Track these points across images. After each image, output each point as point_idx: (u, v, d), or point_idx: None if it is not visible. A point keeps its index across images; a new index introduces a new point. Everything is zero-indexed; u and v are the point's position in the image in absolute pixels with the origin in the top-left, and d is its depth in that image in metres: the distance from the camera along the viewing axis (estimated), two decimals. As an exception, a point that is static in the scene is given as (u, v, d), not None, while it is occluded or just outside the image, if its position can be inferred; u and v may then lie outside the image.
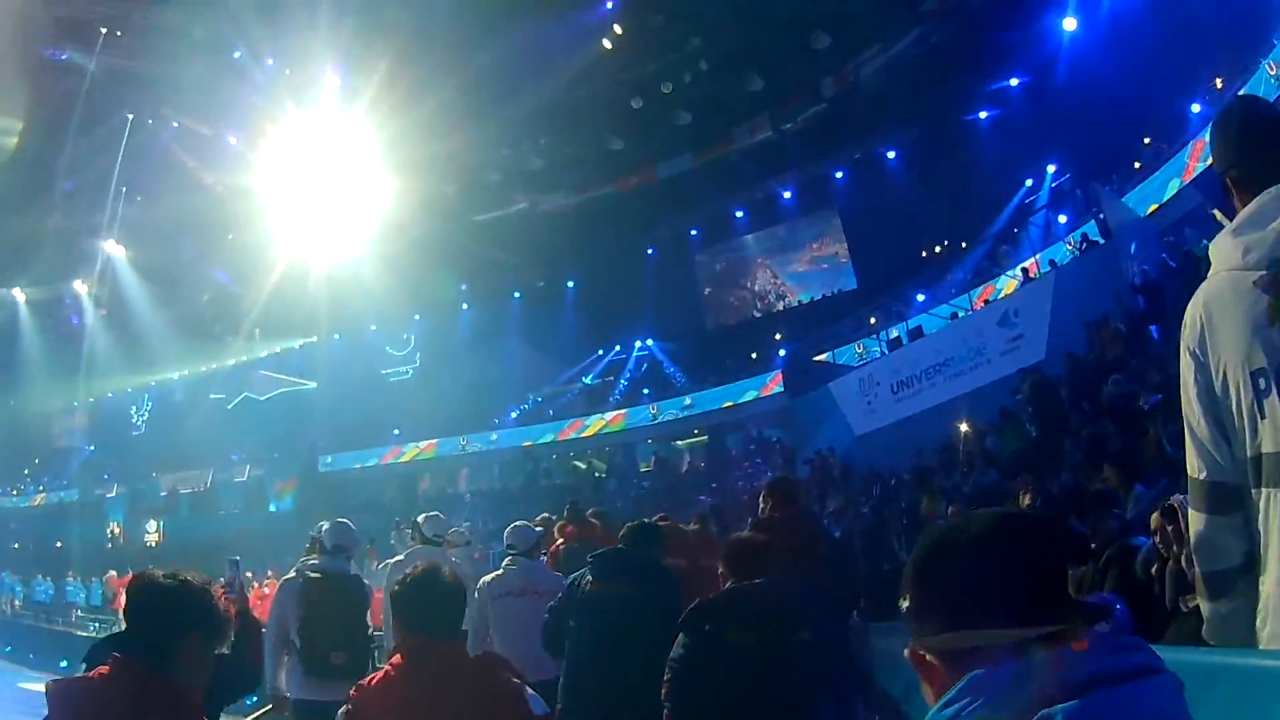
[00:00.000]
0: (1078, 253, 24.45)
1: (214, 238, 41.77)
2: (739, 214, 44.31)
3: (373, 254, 37.85)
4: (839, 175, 40.48)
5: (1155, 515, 6.97)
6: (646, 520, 7.94)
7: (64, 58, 33.34)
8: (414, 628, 4.14)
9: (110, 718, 3.30)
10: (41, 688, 3.38)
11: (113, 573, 31.75)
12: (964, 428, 20.54)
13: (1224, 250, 3.20)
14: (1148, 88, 26.08)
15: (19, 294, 46.50)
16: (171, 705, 3.35)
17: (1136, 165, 27.02)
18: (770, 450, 34.53)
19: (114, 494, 52.56)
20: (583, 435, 42.92)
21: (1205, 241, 15.61)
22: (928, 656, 1.84)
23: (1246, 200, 3.19)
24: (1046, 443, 16.90)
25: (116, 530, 51.46)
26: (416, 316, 48.74)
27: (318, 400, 49.93)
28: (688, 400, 40.09)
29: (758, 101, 37.38)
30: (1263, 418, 3.03)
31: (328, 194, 33.98)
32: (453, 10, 31.82)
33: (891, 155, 38.27)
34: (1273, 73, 21.07)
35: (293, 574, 8.72)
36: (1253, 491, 3.12)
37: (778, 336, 40.12)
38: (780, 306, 44.61)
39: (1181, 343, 3.28)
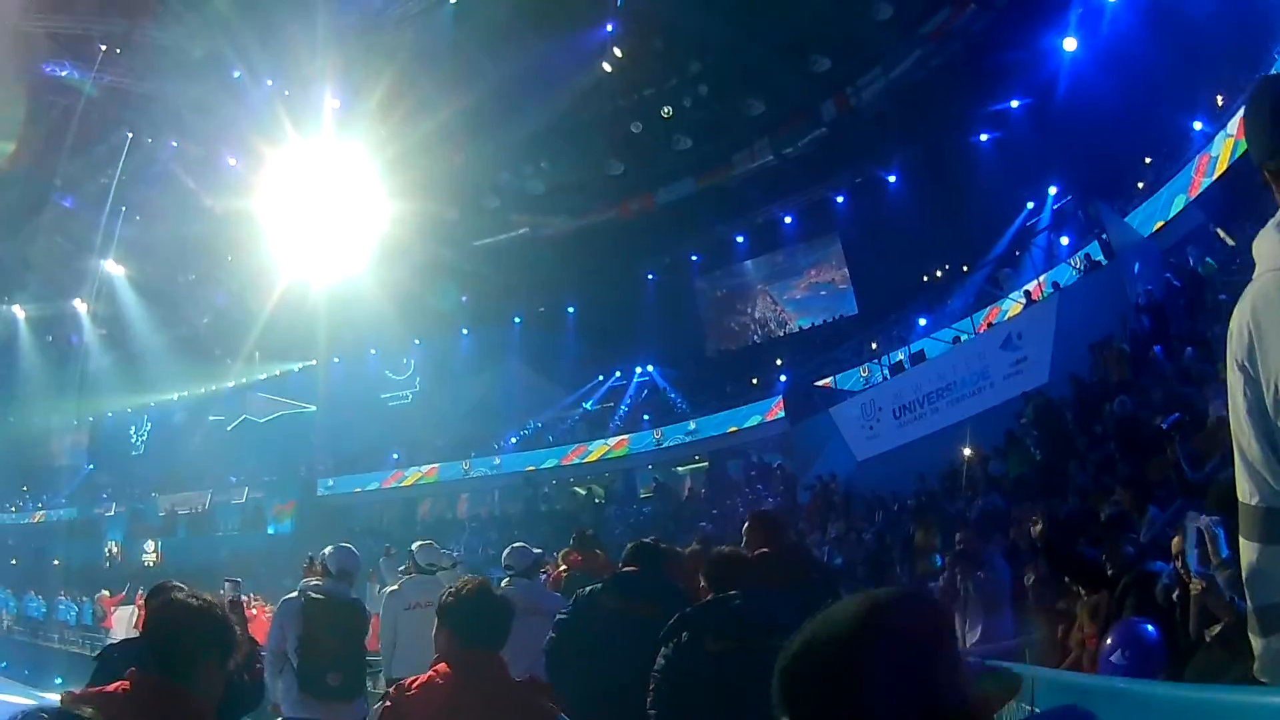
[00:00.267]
0: (1081, 274, 24.07)
1: (214, 259, 41.57)
2: (739, 239, 43.90)
3: (372, 277, 37.40)
4: (839, 199, 39.93)
5: (1177, 539, 6.45)
6: (644, 540, 7.71)
7: (63, 74, 33.02)
8: (465, 642, 4.29)
9: None
10: (29, 702, 3.49)
11: (104, 592, 31.69)
12: (967, 452, 20.21)
13: (1269, 247, 2.75)
14: (1149, 106, 25.93)
15: (19, 311, 46.18)
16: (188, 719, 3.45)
17: (1140, 185, 26.85)
18: (771, 476, 34.33)
19: (113, 513, 52.44)
20: (586, 460, 42.53)
21: (1209, 260, 15.42)
22: None
23: None
24: (1051, 466, 16.68)
25: (115, 549, 51.27)
26: (416, 341, 48.29)
27: (316, 424, 49.75)
28: (692, 425, 39.69)
29: (758, 126, 37.08)
30: None
31: (327, 217, 33.56)
32: (453, 33, 31.66)
33: (892, 179, 37.72)
34: None
35: (294, 594, 8.74)
36: None
37: (779, 362, 39.77)
38: (781, 333, 44.38)
39: (1228, 354, 2.81)
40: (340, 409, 47.77)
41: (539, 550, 9.50)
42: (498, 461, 44.34)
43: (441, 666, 4.24)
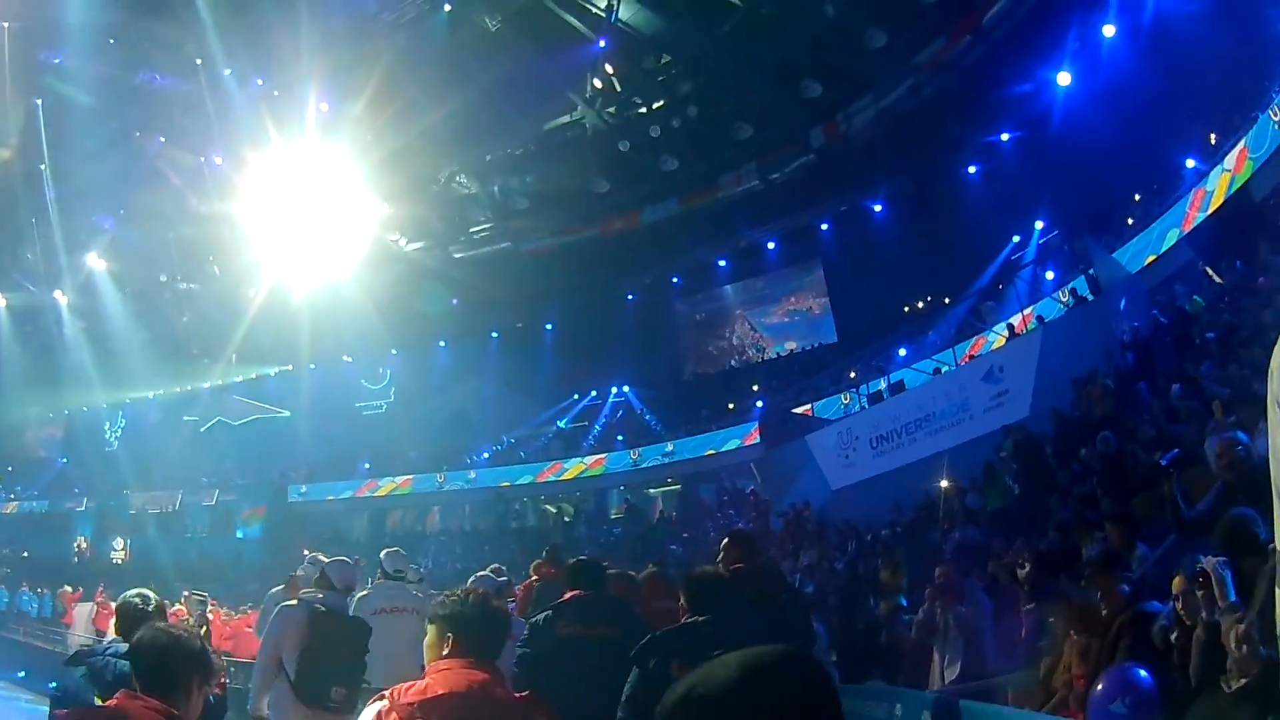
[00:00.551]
0: (1067, 308, 23.86)
1: (196, 259, 41.16)
2: (721, 262, 43.73)
3: (352, 285, 36.96)
4: (824, 226, 39.75)
5: (1178, 579, 6.32)
6: (585, 558, 7.95)
7: (58, 62, 32.51)
8: (465, 649, 4.22)
9: None
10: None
11: (66, 588, 31.47)
12: (944, 484, 20.02)
13: None
14: (1141, 142, 25.85)
15: (0, 299, 45.54)
16: None
17: (1130, 221, 26.69)
18: (743, 502, 33.87)
19: (84, 508, 51.76)
20: (562, 478, 42.25)
21: (1197, 298, 15.18)
22: None
23: None
24: (1031, 500, 16.45)
25: (84, 545, 50.70)
26: (393, 351, 47.93)
27: (291, 429, 49.43)
28: (669, 447, 39.38)
29: (746, 150, 36.75)
30: None
31: (310, 222, 33.13)
32: (446, 40, 31.39)
33: (878, 207, 37.48)
34: (1276, 118, 20.44)
35: (294, 602, 8.64)
36: None
37: (755, 388, 39.63)
38: (759, 358, 44.09)
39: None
40: (315, 416, 47.47)
41: (504, 578, 9.97)
42: (473, 475, 43.96)
43: (441, 673, 4.14)
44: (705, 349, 46.18)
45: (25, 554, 46.24)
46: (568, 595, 7.09)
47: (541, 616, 6.95)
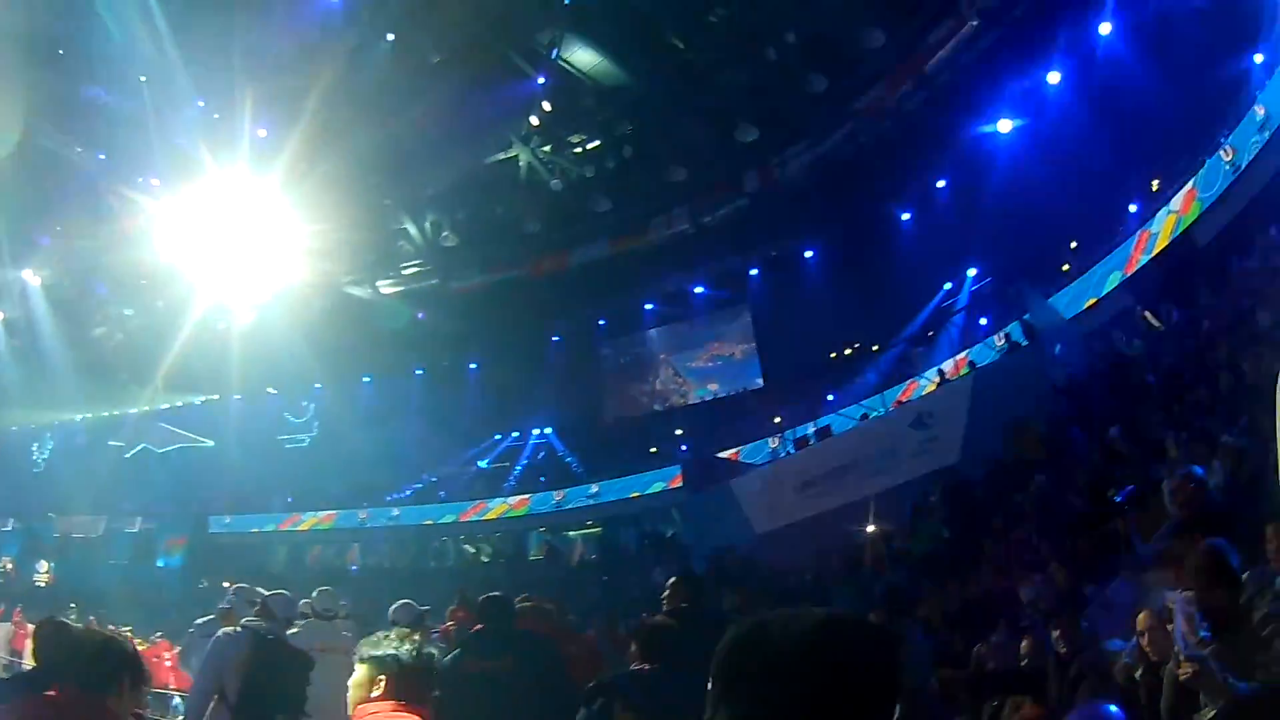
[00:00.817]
0: (999, 354, 23.76)
1: (129, 281, 40.18)
2: (648, 306, 43.53)
3: (279, 317, 36.22)
4: (753, 271, 39.67)
5: (1143, 616, 6.48)
6: (495, 594, 8.10)
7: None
8: (397, 691, 4.18)
9: None
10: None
11: None
12: (871, 528, 20.10)
13: None
14: (1081, 189, 25.94)
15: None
16: None
17: (1065, 267, 26.73)
18: (664, 546, 33.88)
19: (10, 528, 50.13)
20: (485, 518, 41.93)
21: (1136, 341, 15.16)
22: None
23: None
24: (962, 544, 16.42)
25: (9, 566, 49.10)
26: (317, 385, 47.41)
27: (214, 459, 48.66)
28: (594, 488, 39.19)
29: (678, 193, 36.39)
30: None
31: (242, 250, 32.47)
32: (387, 71, 30.99)
33: (809, 254, 37.47)
34: (1227, 159, 20.36)
35: (235, 629, 8.54)
36: None
37: (678, 432, 39.59)
38: (682, 403, 43.78)
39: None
40: (238, 447, 46.72)
41: (426, 607, 10.26)
42: (396, 513, 43.61)
43: (372, 716, 4.15)
44: (629, 392, 45.74)
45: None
46: (474, 629, 7.52)
47: (451, 656, 7.05)
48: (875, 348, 32.11)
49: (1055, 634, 7.66)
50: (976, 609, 12.16)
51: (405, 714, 4.09)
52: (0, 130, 31.50)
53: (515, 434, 44.79)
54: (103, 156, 35.24)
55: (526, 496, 41.19)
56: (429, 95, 31.46)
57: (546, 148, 36.02)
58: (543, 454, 44.10)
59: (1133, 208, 25.03)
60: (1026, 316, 23.15)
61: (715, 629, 6.30)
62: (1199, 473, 8.30)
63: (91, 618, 16.24)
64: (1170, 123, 23.68)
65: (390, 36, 31.71)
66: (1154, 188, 24.51)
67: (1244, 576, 6.01)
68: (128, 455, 50.90)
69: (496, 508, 41.55)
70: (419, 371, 46.27)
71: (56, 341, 42.19)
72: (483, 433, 45.04)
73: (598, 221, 38.04)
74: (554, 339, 44.37)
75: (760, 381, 40.46)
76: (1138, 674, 6.39)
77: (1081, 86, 27.72)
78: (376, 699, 4.15)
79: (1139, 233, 23.10)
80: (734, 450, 32.18)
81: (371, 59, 31.71)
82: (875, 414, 26.64)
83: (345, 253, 36.13)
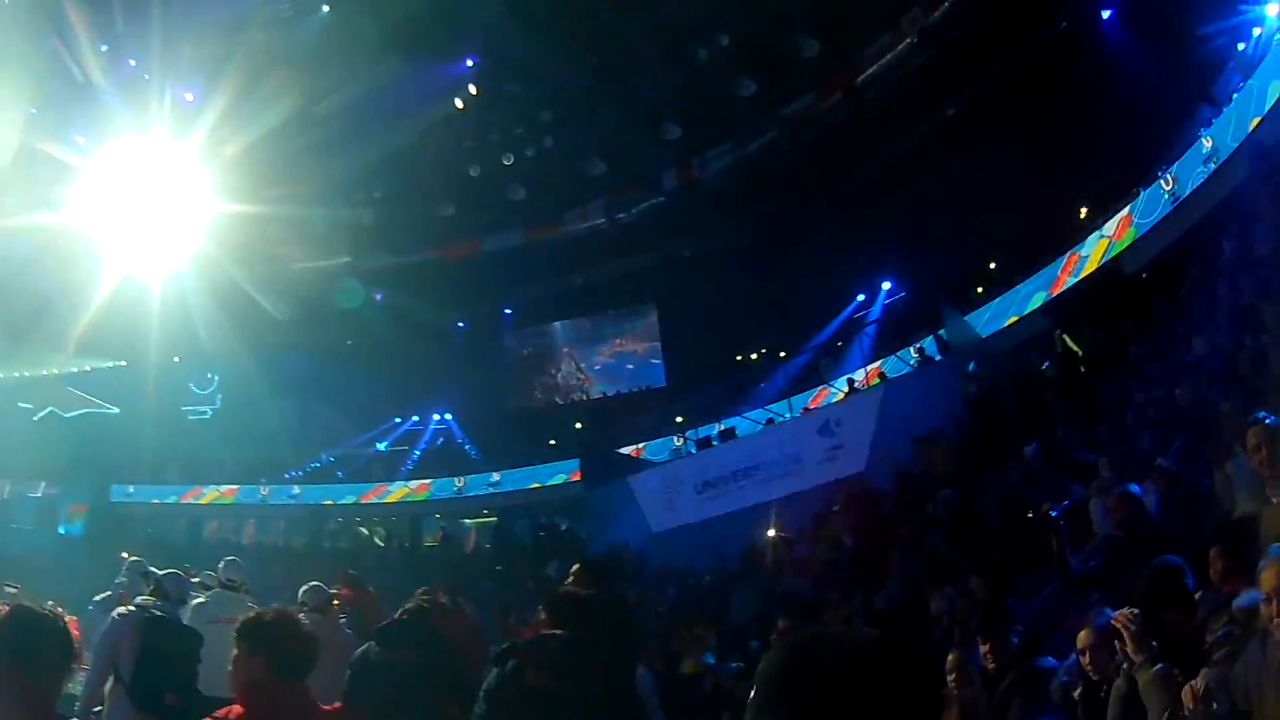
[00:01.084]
0: (912, 367, 23.61)
1: (46, 240, 39.07)
2: (555, 298, 42.86)
3: (191, 286, 35.31)
4: (664, 271, 39.03)
5: (1084, 633, 6.16)
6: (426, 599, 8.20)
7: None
8: (280, 670, 4.16)
9: None
10: None
11: None
12: (771, 533, 20.02)
13: None
14: (1005, 210, 25.74)
15: None
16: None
17: (980, 290, 26.71)
18: (559, 538, 33.69)
19: (-84, 488, 48.89)
20: (385, 500, 41.48)
21: (1049, 364, 15.29)
22: None
23: None
24: (866, 554, 16.18)
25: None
26: (222, 357, 45.94)
27: (119, 427, 47.20)
28: (496, 477, 38.70)
29: (596, 186, 36.34)
30: None
31: (160, 214, 31.66)
32: (318, 43, 30.40)
33: (722, 257, 36.88)
34: (1168, 187, 20.39)
35: (130, 609, 8.68)
36: None
37: (578, 425, 39.29)
38: (583, 398, 43.62)
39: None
40: (141, 416, 45.01)
41: (334, 590, 9.90)
42: (297, 491, 42.92)
43: (252, 696, 4.15)
44: (530, 384, 45.53)
45: None
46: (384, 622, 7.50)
47: (362, 649, 7.30)
48: (783, 354, 31.92)
49: (984, 649, 7.22)
50: (885, 619, 11.89)
51: (286, 688, 4.12)
52: None
53: (415, 418, 44.23)
54: (34, 110, 34.28)
55: (428, 481, 40.78)
56: (358, 71, 31.13)
57: (467, 132, 35.59)
58: (441, 440, 43.65)
59: (1058, 233, 24.83)
60: (942, 332, 23.04)
61: (620, 607, 6.97)
62: (1136, 491, 8.21)
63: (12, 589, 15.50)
64: (1105, 153, 23.88)
65: (325, 8, 31.07)
66: (1081, 215, 24.65)
67: (1196, 597, 5.75)
68: (36, 418, 49.56)
69: (397, 491, 41.16)
70: (323, 349, 44.99)
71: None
72: (382, 415, 44.42)
73: (512, 210, 37.76)
74: (459, 325, 43.90)
75: (663, 381, 40.36)
76: (1076, 693, 6.19)
77: (1016, 110, 27.77)
78: (257, 677, 4.14)
79: (1069, 254, 23.07)
80: (637, 447, 31.90)
81: (304, 30, 31.14)
82: (781, 419, 26.33)
83: (259, 227, 35.28)
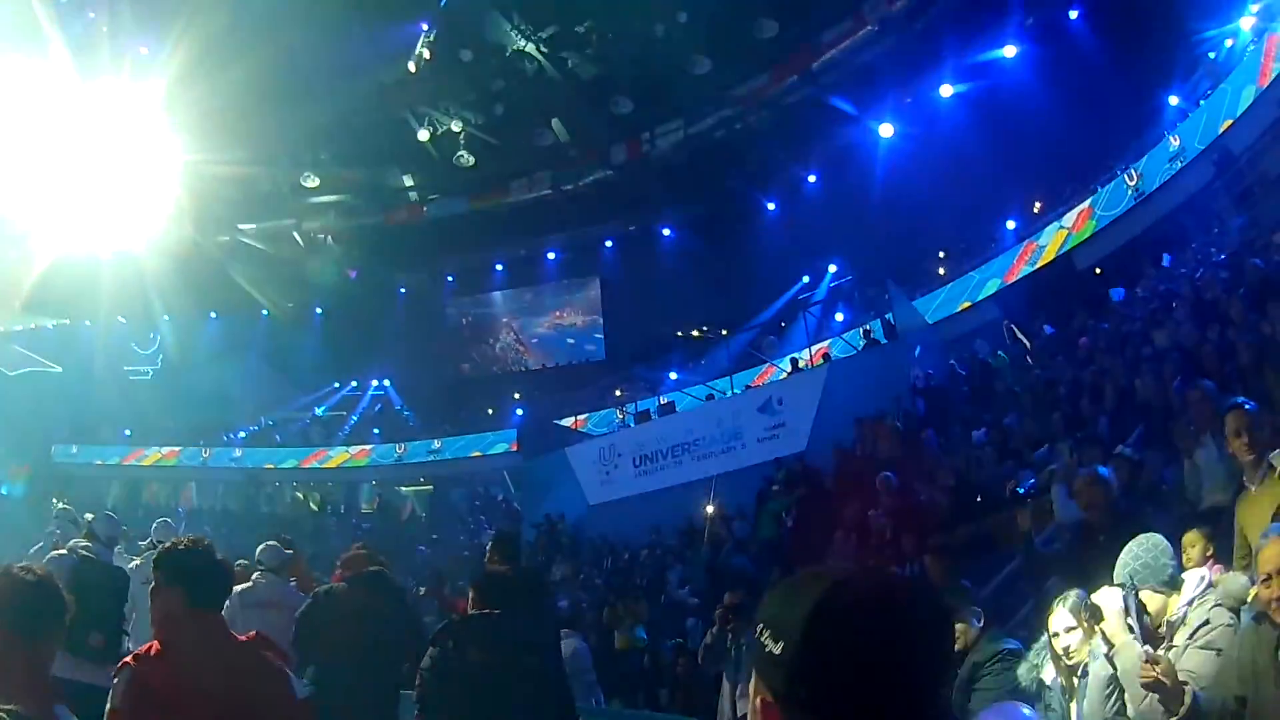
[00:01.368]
0: (857, 350, 23.42)
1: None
2: (498, 267, 43.11)
3: (136, 246, 34.60)
4: (608, 243, 39.49)
5: (1057, 614, 5.76)
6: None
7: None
8: (196, 601, 4.20)
9: None
10: None
11: None
12: (710, 509, 19.50)
13: None
14: (959, 201, 26.11)
15: None
16: (40, 670, 3.56)
17: (941, 272, 26.91)
18: (495, 508, 33.83)
19: None
20: (325, 465, 41.26)
21: (1000, 353, 15.21)
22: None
23: None
24: (806, 533, 15.94)
25: None
26: (165, 317, 45.19)
27: (61, 386, 46.70)
28: (437, 444, 38.66)
29: (543, 156, 35.99)
30: None
31: (112, 170, 30.88)
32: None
33: (666, 232, 37.39)
34: (1132, 182, 20.40)
35: (64, 551, 8.96)
36: None
37: (516, 395, 38.83)
38: (521, 369, 43.49)
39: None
40: (84, 376, 45.32)
41: (290, 551, 9.78)
42: (238, 453, 42.61)
43: (172, 628, 4.18)
44: (469, 352, 45.34)
45: None
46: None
47: (327, 588, 7.97)
48: (725, 332, 31.68)
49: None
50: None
51: (205, 619, 4.18)
52: None
53: (354, 384, 44.06)
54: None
55: (368, 447, 40.66)
56: (314, 30, 30.63)
57: (418, 96, 35.08)
58: (379, 406, 43.55)
59: (1011, 223, 25.25)
60: (889, 316, 22.87)
61: (536, 579, 9.28)
62: (1105, 473, 7.95)
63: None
64: (1064, 147, 24.00)
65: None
66: (1036, 209, 24.78)
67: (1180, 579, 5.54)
68: (-22, 377, 48.78)
69: (338, 456, 40.97)
70: (264, 313, 44.56)
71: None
72: (321, 380, 44.24)
73: (459, 177, 37.33)
74: (400, 290, 43.78)
75: (603, 355, 40.39)
76: (1048, 677, 5.88)
77: (975, 103, 27.90)
78: (178, 610, 4.17)
79: (1026, 243, 23.18)
80: (580, 419, 31.69)
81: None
82: (722, 396, 26.11)
83: (208, 187, 34.55)
